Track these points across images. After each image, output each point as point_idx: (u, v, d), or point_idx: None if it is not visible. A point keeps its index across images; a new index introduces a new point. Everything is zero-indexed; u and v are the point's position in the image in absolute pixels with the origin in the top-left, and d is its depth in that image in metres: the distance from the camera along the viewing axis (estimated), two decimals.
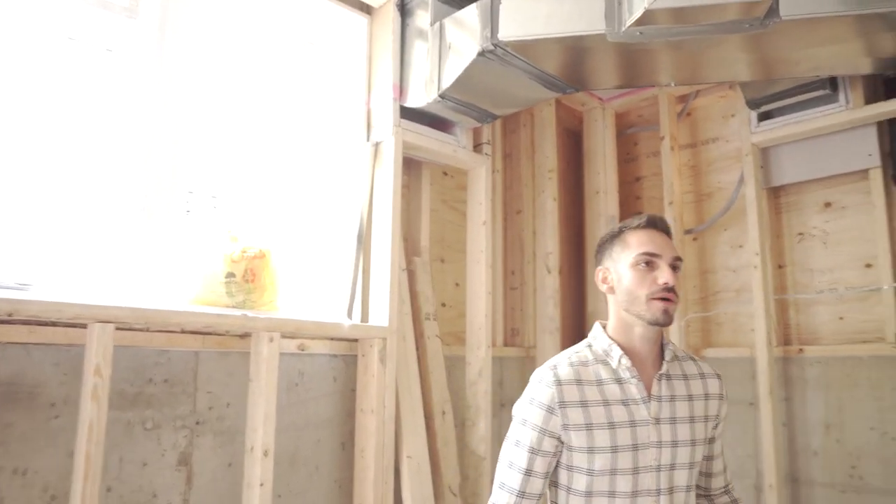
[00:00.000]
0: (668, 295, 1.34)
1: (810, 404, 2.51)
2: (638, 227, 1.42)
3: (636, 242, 1.40)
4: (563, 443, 1.34)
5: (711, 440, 1.47)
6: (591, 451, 1.32)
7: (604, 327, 1.45)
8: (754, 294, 2.59)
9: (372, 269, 2.23)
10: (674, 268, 1.38)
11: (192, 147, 1.93)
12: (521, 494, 1.34)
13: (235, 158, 2.05)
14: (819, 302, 2.56)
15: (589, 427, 1.32)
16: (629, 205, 3.03)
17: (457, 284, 2.62)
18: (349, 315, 2.24)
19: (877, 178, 2.43)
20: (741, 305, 2.73)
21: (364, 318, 2.23)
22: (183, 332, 1.75)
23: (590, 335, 1.46)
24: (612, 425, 1.32)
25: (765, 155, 2.65)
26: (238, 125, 2.07)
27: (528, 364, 2.80)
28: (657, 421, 1.35)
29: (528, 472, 1.34)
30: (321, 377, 2.10)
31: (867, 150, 2.44)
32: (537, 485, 1.35)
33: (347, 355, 2.16)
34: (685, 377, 1.43)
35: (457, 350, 2.53)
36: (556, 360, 1.42)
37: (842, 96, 2.41)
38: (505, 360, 2.72)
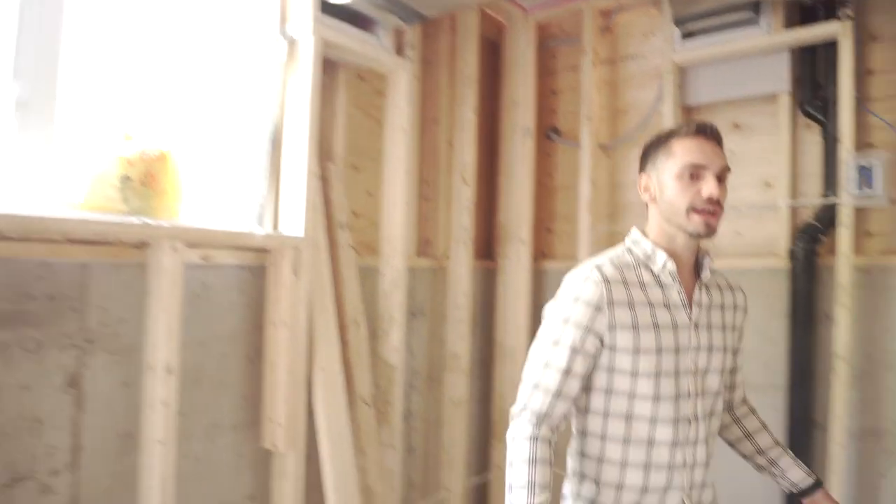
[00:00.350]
0: (713, 207, 1.30)
1: None
2: (686, 134, 1.34)
3: (682, 151, 1.32)
4: (603, 344, 1.31)
5: (735, 352, 1.48)
6: (636, 351, 1.29)
7: (643, 233, 1.41)
8: None
9: (284, 175, 2.09)
10: (721, 179, 1.33)
11: (80, 29, 1.66)
12: (558, 395, 1.30)
13: (132, 46, 1.79)
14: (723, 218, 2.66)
15: (635, 327, 1.29)
16: (545, 118, 2.99)
17: (369, 193, 2.52)
18: (260, 223, 2.10)
19: (785, 102, 2.50)
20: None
21: (275, 227, 2.10)
22: (69, 241, 1.57)
23: (628, 240, 1.43)
24: (656, 327, 1.30)
25: (683, 74, 2.66)
26: (135, 6, 1.80)
27: (439, 275, 2.79)
28: (696, 326, 1.35)
29: (568, 372, 1.29)
30: (227, 289, 1.98)
31: (779, 76, 2.49)
32: (575, 386, 1.31)
33: (255, 266, 2.05)
34: (718, 287, 1.44)
35: (369, 261, 2.46)
36: (597, 261, 1.37)
37: (763, 21, 2.42)
38: (417, 270, 2.68)
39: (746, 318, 1.49)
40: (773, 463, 1.48)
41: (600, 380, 1.33)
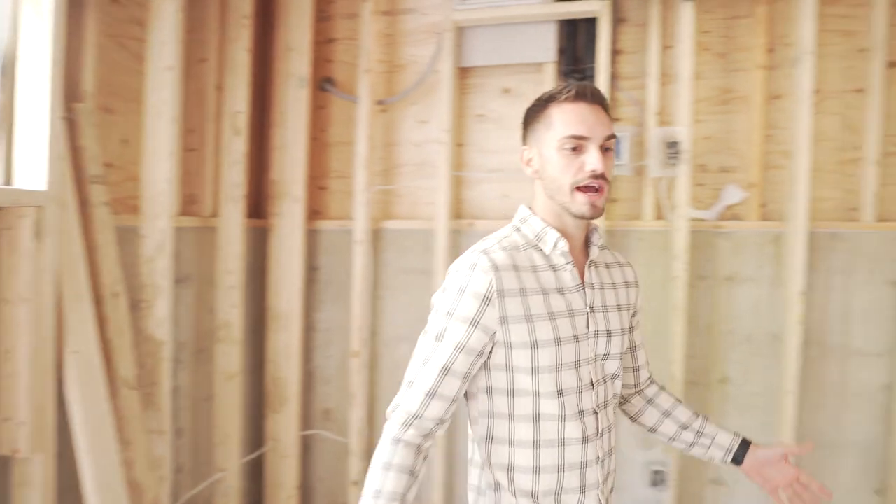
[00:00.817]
0: (598, 182, 1.20)
1: None
2: (565, 99, 1.22)
3: (562, 121, 1.21)
4: (494, 341, 1.20)
5: (630, 330, 1.41)
6: (533, 345, 1.19)
7: (531, 210, 1.31)
8: (439, 170, 2.70)
9: (20, 118, 1.66)
10: (606, 149, 1.23)
11: None
12: (433, 394, 1.19)
13: None
14: (488, 180, 2.78)
15: (529, 318, 1.19)
16: (320, 67, 2.81)
17: (126, 141, 2.14)
18: None
19: (550, 71, 2.66)
20: (422, 180, 2.81)
21: (8, 181, 1.67)
22: None
23: (516, 218, 1.32)
24: (552, 315, 1.21)
25: (461, 34, 2.68)
26: None
27: (207, 236, 2.50)
28: (592, 310, 1.27)
29: (447, 371, 1.19)
30: None
31: (546, 46, 2.63)
32: (453, 386, 1.19)
33: None
34: (607, 265, 1.37)
35: (127, 221, 2.11)
36: (483, 244, 1.25)
37: None
38: (182, 231, 2.36)
39: (640, 293, 1.43)
40: (700, 434, 1.42)
41: (501, 380, 1.23)
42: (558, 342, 1.21)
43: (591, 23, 2.58)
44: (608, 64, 2.56)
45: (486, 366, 1.23)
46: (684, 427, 1.43)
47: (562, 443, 1.22)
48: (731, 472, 2.40)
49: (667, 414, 1.45)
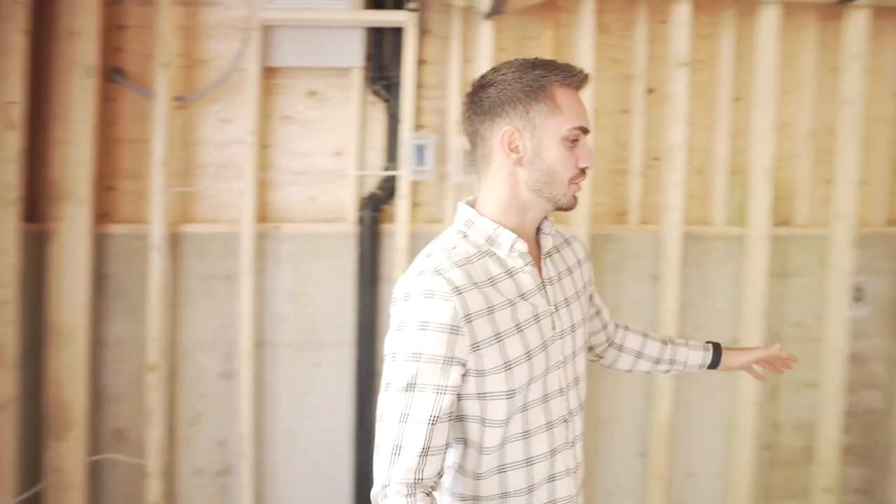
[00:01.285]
0: (583, 177, 1.15)
1: (282, 276, 2.72)
2: (571, 82, 1.10)
3: (571, 109, 1.09)
4: (468, 370, 1.05)
5: (591, 298, 1.38)
6: (507, 367, 1.06)
7: (474, 208, 1.16)
8: (244, 171, 2.61)
9: None
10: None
11: None
12: (426, 452, 0.99)
13: None
14: (295, 183, 2.75)
15: (499, 338, 1.06)
16: (109, 56, 2.54)
17: None
18: None
19: (357, 77, 2.70)
20: (225, 181, 2.70)
21: None
22: None
23: (459, 221, 1.16)
24: (519, 328, 1.09)
25: (268, 32, 2.61)
26: None
27: None
28: (556, 308, 1.17)
29: (434, 420, 1.00)
30: None
31: (354, 51, 2.66)
32: (443, 433, 1.01)
33: None
34: (558, 249, 1.26)
35: None
36: (431, 263, 1.08)
37: None
38: None
39: (590, 263, 1.36)
40: (673, 362, 1.49)
41: (473, 408, 1.09)
42: (529, 355, 1.10)
43: (397, 32, 2.66)
44: (414, 73, 2.66)
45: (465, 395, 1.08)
46: (657, 361, 1.49)
47: (529, 462, 1.13)
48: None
49: (639, 355, 1.49)
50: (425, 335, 1.02)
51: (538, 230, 1.21)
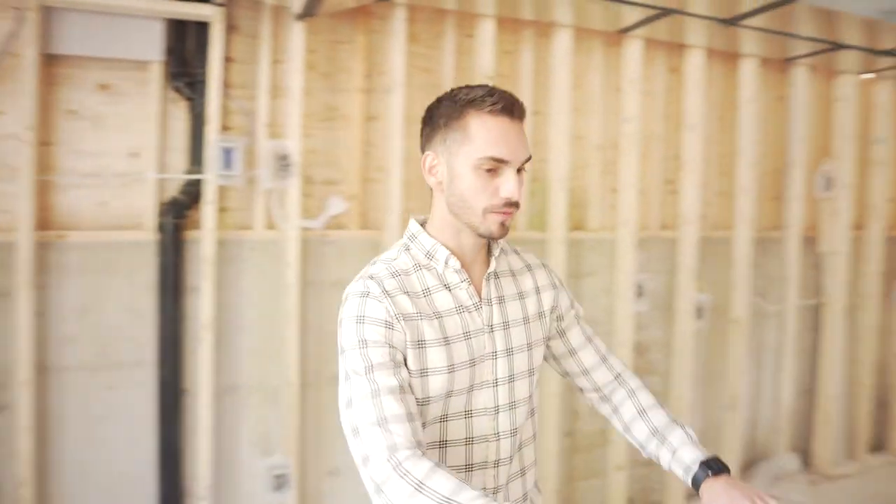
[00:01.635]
0: (510, 210, 1.13)
1: (69, 291, 2.42)
2: (490, 110, 1.10)
3: (483, 137, 1.10)
4: (405, 362, 1.10)
5: (562, 334, 1.33)
6: (423, 373, 1.10)
7: (422, 224, 1.22)
8: (21, 172, 2.28)
9: None
10: (520, 169, 1.14)
11: None
12: (410, 417, 1.03)
13: None
14: (83, 186, 2.47)
15: (422, 345, 1.10)
16: None
17: None
18: None
19: (156, 72, 2.49)
20: None
21: None
22: None
23: (406, 236, 1.22)
24: (446, 340, 1.12)
25: (49, 15, 2.30)
26: None
27: None
28: (492, 329, 1.18)
29: (401, 390, 1.05)
30: None
31: (152, 44, 2.46)
32: (412, 400, 1.07)
33: None
34: (512, 273, 1.27)
35: None
36: (370, 270, 1.16)
37: None
38: None
39: (562, 291, 1.34)
40: (656, 439, 1.24)
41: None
42: (452, 369, 1.13)
43: (202, 27, 2.50)
44: (220, 71, 2.52)
45: None
46: (642, 447, 1.28)
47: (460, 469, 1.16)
48: (345, 461, 2.62)
49: (626, 430, 1.32)
50: (364, 327, 1.09)
51: (489, 251, 1.25)
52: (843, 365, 4.01)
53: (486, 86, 1.15)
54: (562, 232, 3.04)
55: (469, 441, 1.17)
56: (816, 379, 4.02)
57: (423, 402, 1.11)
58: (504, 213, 1.14)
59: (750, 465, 3.84)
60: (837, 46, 3.21)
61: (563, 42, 3.00)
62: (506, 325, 1.22)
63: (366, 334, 1.09)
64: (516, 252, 1.34)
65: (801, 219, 3.77)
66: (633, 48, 3.14)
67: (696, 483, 1.14)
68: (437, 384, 1.12)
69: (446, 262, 1.18)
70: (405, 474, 0.96)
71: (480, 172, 1.12)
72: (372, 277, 1.14)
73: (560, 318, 1.34)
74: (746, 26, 2.88)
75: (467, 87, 1.16)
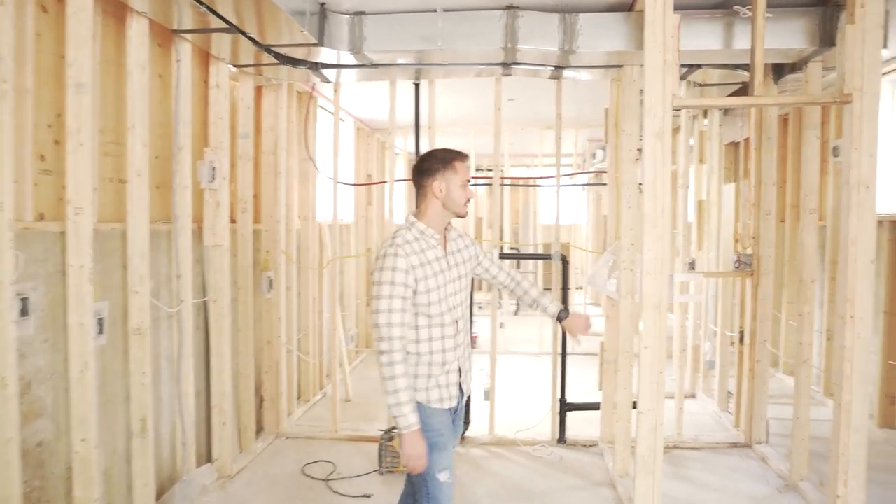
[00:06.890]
0: (469, 202, 2.39)
1: None
2: (463, 159, 2.36)
3: (462, 171, 2.34)
4: (413, 292, 2.23)
5: (481, 265, 2.60)
6: (428, 290, 2.26)
7: (415, 216, 2.35)
8: None
9: None
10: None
11: None
12: (402, 325, 2.20)
13: None
14: None
15: (426, 276, 2.25)
16: None
17: None
18: None
19: None
20: None
21: None
22: None
23: (406, 223, 2.35)
24: (435, 273, 2.28)
25: None
26: None
27: None
28: (450, 266, 2.35)
29: (403, 310, 2.20)
30: None
31: None
32: (408, 316, 2.23)
33: None
34: (454, 240, 2.45)
35: None
36: (394, 240, 2.26)
37: None
38: None
39: (475, 244, 2.57)
40: (542, 308, 2.68)
41: (421, 307, 2.27)
42: (439, 286, 2.29)
43: None
44: None
45: (413, 303, 2.25)
46: (531, 305, 2.71)
47: (443, 338, 2.33)
48: None
49: (521, 299, 2.71)
50: (395, 272, 2.20)
51: (446, 229, 2.44)
52: (231, 360, 3.92)
53: (454, 150, 2.38)
54: None
55: (455, 321, 2.37)
56: (210, 380, 3.81)
57: (430, 303, 2.27)
58: (466, 204, 2.38)
59: (164, 491, 3.35)
60: (235, 29, 3.03)
61: None
62: (457, 264, 2.41)
63: (393, 276, 2.19)
64: (455, 230, 2.49)
65: (190, 210, 3.48)
66: None
67: (560, 319, 2.67)
68: (434, 295, 2.28)
69: (432, 236, 2.34)
70: (390, 363, 2.18)
71: (462, 186, 2.35)
72: (397, 244, 2.25)
73: (478, 257, 2.58)
74: None
75: (446, 149, 2.39)
